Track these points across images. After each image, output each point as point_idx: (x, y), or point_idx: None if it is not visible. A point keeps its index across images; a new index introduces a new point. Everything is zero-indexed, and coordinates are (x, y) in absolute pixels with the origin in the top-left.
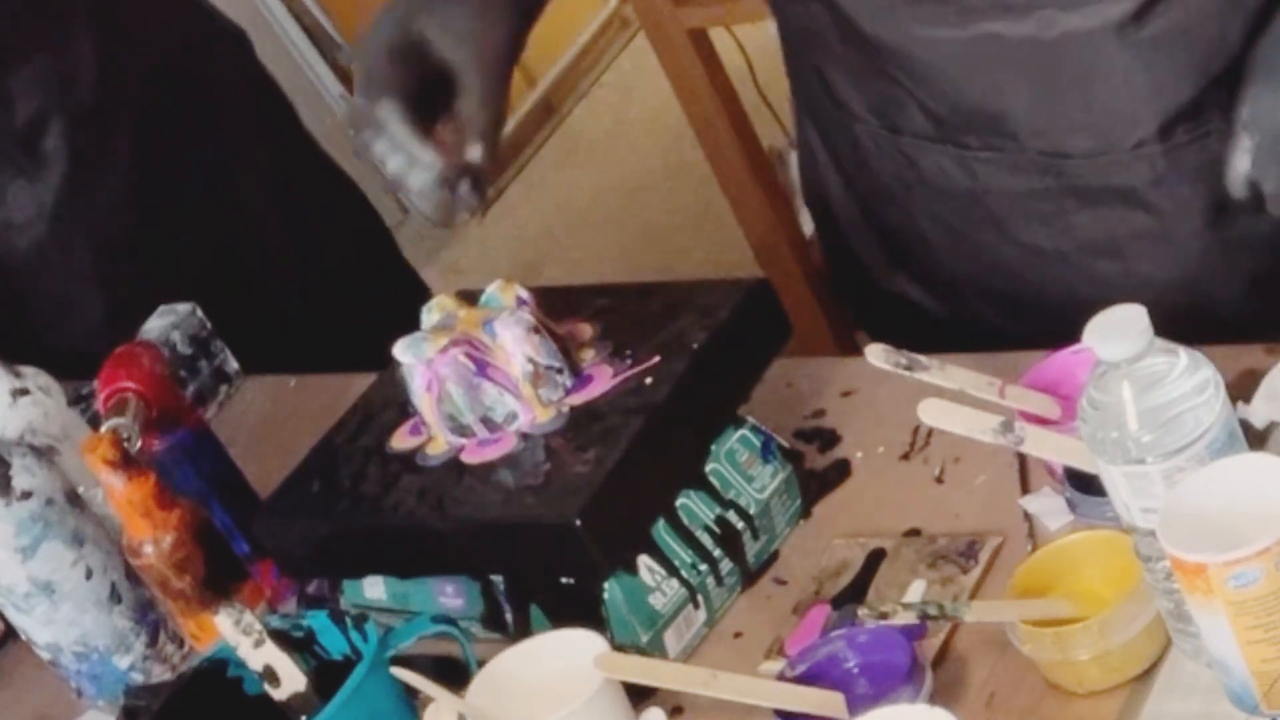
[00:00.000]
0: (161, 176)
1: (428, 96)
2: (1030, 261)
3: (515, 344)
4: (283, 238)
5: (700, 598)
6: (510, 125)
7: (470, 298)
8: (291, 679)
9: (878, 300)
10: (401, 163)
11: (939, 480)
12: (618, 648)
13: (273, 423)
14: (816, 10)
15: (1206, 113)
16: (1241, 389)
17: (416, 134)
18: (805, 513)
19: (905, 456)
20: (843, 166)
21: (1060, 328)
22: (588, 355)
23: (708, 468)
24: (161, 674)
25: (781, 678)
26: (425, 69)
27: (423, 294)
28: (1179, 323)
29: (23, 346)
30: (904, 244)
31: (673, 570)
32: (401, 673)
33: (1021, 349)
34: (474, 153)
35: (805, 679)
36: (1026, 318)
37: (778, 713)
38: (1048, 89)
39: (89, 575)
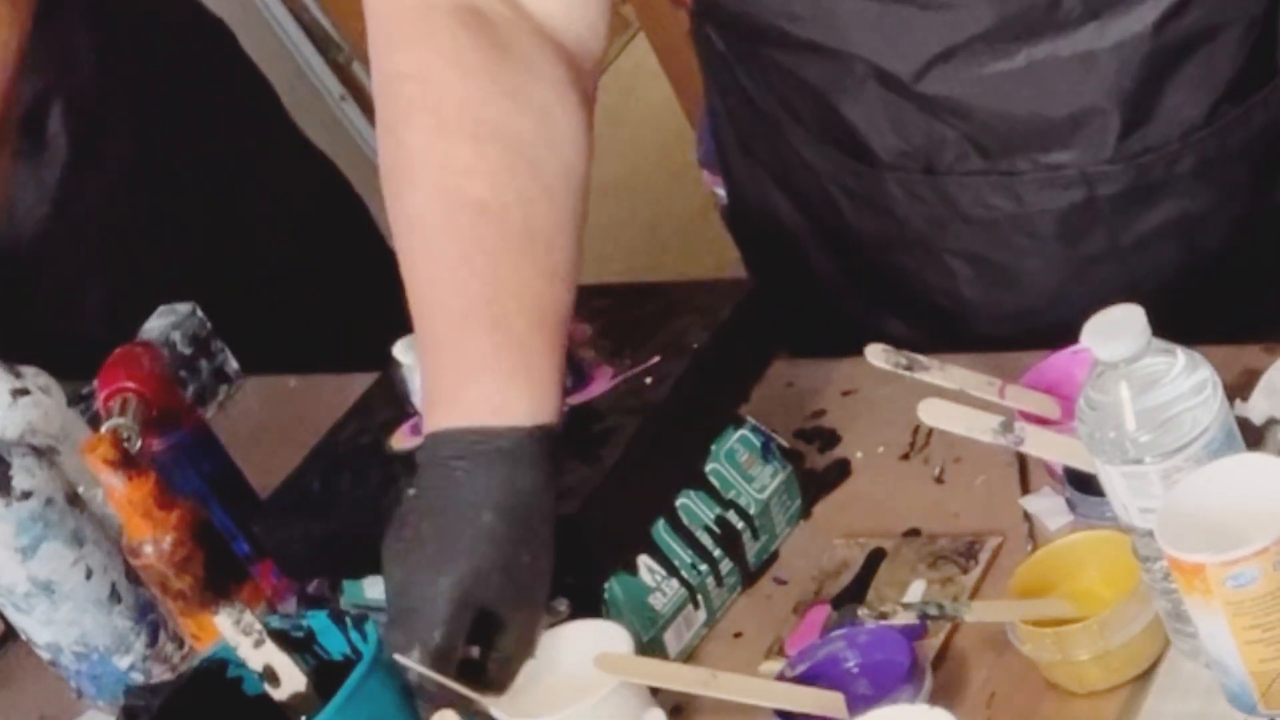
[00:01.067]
0: (161, 163)
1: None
2: (1065, 271)
3: None
4: (279, 232)
5: (700, 598)
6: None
7: None
8: (291, 679)
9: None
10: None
11: (939, 480)
12: None
13: (273, 423)
14: (849, 62)
15: (1249, 89)
16: (1240, 388)
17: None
18: (805, 513)
19: (905, 456)
20: (820, 219)
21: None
22: (588, 355)
23: (708, 468)
24: (161, 674)
25: (781, 678)
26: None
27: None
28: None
29: (28, 335)
30: (907, 286)
31: (673, 570)
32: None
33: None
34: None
35: (805, 679)
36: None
37: (778, 713)
38: (1096, 99)
39: (89, 575)
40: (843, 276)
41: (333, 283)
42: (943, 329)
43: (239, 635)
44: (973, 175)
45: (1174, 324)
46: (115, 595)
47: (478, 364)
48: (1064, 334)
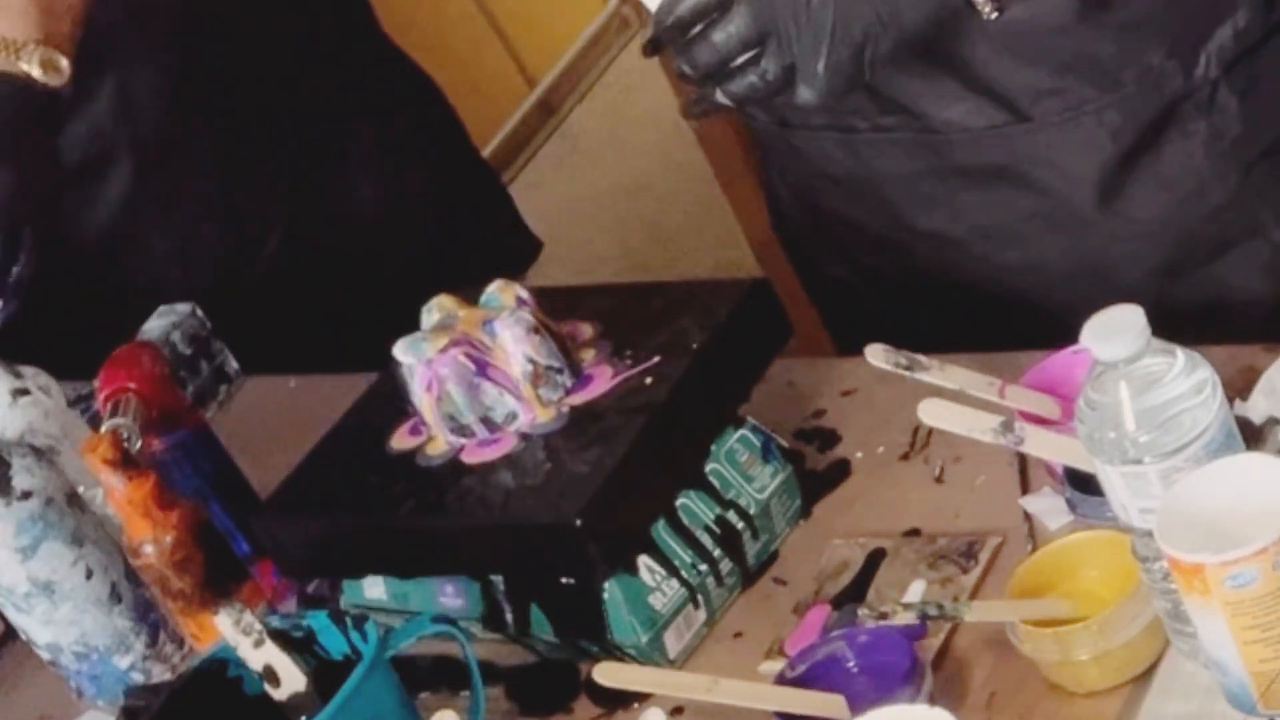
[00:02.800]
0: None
1: None
2: (930, 249)
3: (515, 344)
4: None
5: (700, 598)
6: (510, 125)
7: (470, 298)
8: (291, 679)
9: (824, 285)
10: None
11: (939, 480)
12: (617, 649)
13: (273, 423)
14: None
15: (1078, 87)
16: (1240, 387)
17: None
18: (805, 513)
19: (905, 456)
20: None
21: (973, 323)
22: (588, 355)
23: (708, 468)
24: (161, 674)
25: (781, 678)
26: None
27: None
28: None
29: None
30: (829, 231)
31: (673, 570)
32: None
33: (958, 348)
34: None
35: (805, 679)
36: (943, 308)
37: (778, 714)
38: (935, 65)
39: (89, 575)
40: (800, 214)
41: (437, 241)
42: (870, 285)
43: (239, 635)
44: (813, 129)
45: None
46: (115, 595)
47: None
48: (967, 319)
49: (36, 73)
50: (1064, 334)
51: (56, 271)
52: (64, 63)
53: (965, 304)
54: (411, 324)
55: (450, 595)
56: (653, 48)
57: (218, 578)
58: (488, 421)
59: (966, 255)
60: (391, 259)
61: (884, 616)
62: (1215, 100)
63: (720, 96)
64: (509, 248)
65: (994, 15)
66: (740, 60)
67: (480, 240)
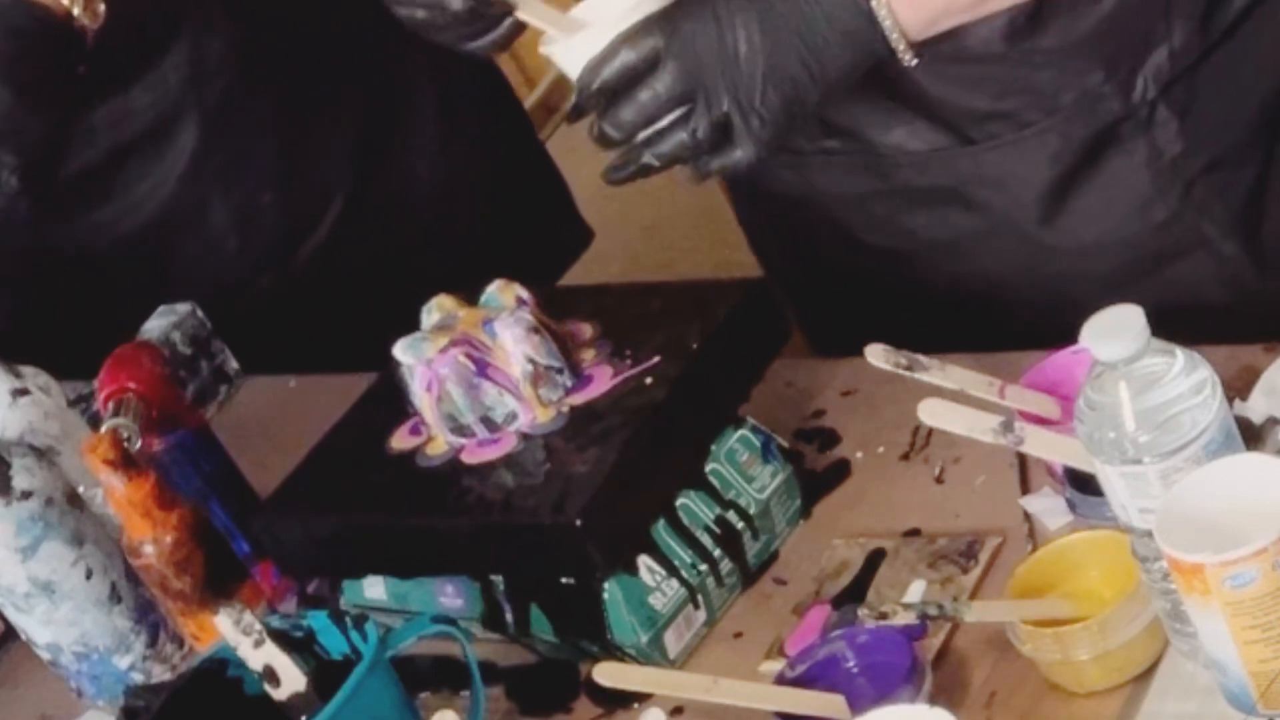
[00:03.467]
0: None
1: None
2: (881, 264)
3: (515, 344)
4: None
5: (700, 598)
6: None
7: (470, 298)
8: (291, 679)
9: (796, 291)
10: (423, 14)
11: (939, 480)
12: (617, 649)
13: (273, 423)
14: None
15: (1019, 111)
16: (1240, 387)
17: None
18: (805, 513)
19: (905, 456)
20: None
21: (930, 332)
22: (588, 355)
23: (708, 468)
24: (161, 674)
25: (781, 678)
26: None
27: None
28: (1040, 327)
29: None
30: (789, 243)
31: (673, 570)
32: None
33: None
34: None
35: (805, 679)
36: (899, 318)
37: (778, 714)
38: (876, 91)
39: (89, 575)
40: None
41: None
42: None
43: (239, 635)
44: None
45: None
46: (115, 595)
47: None
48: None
49: (77, 10)
50: (1014, 341)
51: (111, 246)
52: (101, 7)
53: (921, 313)
54: (412, 324)
55: (450, 595)
56: (576, 113)
57: (218, 578)
58: (488, 421)
59: (917, 269)
60: (444, 239)
61: (884, 616)
62: (1154, 120)
63: (648, 158)
64: (562, 236)
65: (914, 61)
66: (668, 120)
67: (534, 226)
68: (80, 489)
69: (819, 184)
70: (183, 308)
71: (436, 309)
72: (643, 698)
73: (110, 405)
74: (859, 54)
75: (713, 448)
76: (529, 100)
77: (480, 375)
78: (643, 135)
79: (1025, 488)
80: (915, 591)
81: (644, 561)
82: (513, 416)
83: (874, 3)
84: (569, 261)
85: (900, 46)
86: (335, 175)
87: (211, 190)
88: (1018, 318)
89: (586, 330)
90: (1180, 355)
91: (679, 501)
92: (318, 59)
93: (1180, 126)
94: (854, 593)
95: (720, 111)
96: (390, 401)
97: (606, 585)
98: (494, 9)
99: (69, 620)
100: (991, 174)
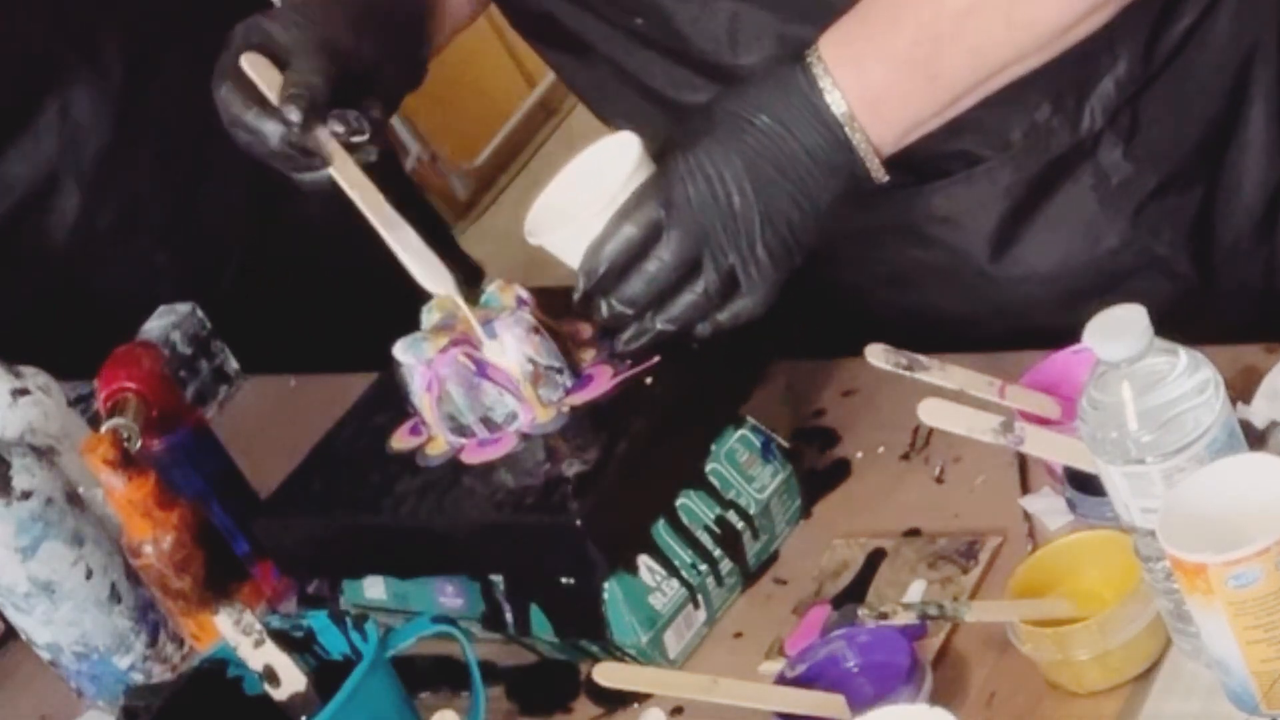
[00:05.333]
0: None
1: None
2: (839, 293)
3: (515, 344)
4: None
5: (700, 598)
6: (510, 125)
7: (470, 298)
8: (291, 679)
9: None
10: (247, 139)
11: (939, 480)
12: (617, 649)
13: (273, 423)
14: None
15: (970, 149)
16: (1242, 389)
17: (250, 107)
18: (805, 513)
19: (905, 456)
20: None
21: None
22: (588, 355)
23: (708, 468)
24: (161, 674)
25: (781, 678)
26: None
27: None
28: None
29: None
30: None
31: (673, 570)
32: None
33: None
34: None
35: (805, 679)
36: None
37: (778, 714)
38: None
39: (89, 575)
40: None
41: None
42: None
43: (239, 635)
44: None
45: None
46: (115, 595)
47: None
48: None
49: None
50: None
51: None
52: None
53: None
54: (412, 324)
55: (450, 595)
56: (585, 303)
57: (218, 578)
58: (488, 421)
59: (873, 299)
60: (348, 274)
61: (884, 616)
62: (1100, 147)
63: (661, 325)
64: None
65: (885, 178)
66: (674, 284)
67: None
68: (80, 489)
69: None
70: (183, 308)
71: (437, 309)
72: (643, 698)
73: (110, 405)
74: (843, 180)
75: (713, 448)
76: (528, 101)
77: (480, 375)
78: (654, 305)
79: (1025, 488)
80: (915, 591)
81: (644, 561)
82: (513, 416)
83: (848, 130)
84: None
85: (874, 165)
86: (230, 227)
87: (105, 253)
88: (971, 343)
89: (586, 330)
90: (1183, 355)
91: (679, 501)
92: (198, 110)
93: (1126, 152)
94: (854, 593)
95: (726, 265)
96: (390, 401)
97: (606, 585)
98: (313, 159)
99: (69, 620)
100: (943, 211)
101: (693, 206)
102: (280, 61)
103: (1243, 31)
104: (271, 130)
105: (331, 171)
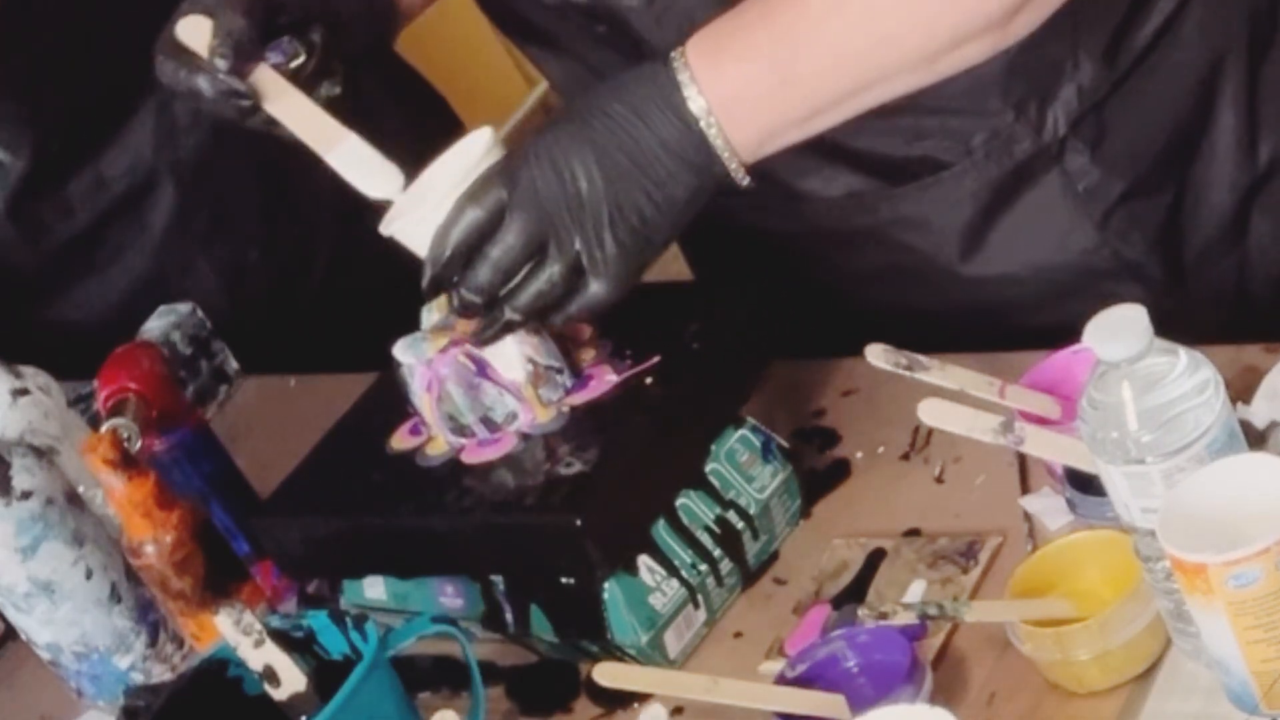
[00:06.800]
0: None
1: None
2: (814, 293)
3: (515, 344)
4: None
5: (700, 598)
6: (510, 125)
7: None
8: (291, 679)
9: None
10: (191, 102)
11: (939, 480)
12: (617, 649)
13: (273, 423)
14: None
15: (934, 154)
16: (1242, 389)
17: (179, 69)
18: (805, 513)
19: (905, 456)
20: None
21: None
22: (588, 355)
23: (708, 468)
24: (161, 674)
25: (781, 678)
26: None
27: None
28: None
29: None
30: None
31: (673, 570)
32: None
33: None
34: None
35: (805, 679)
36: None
37: (778, 714)
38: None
39: (89, 575)
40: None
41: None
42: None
43: (239, 635)
44: None
45: None
46: (115, 595)
47: None
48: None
49: None
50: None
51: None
52: None
53: (860, 338)
54: (412, 324)
55: (450, 595)
56: (434, 289)
57: (218, 578)
58: (488, 421)
59: (848, 300)
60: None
61: (884, 616)
62: (1066, 154)
63: (509, 314)
64: None
65: (747, 182)
66: (522, 272)
67: None
68: (80, 489)
69: (745, 221)
70: (183, 308)
71: (437, 309)
72: (643, 698)
73: (110, 405)
74: (700, 177)
75: (713, 448)
76: (528, 101)
77: (480, 375)
78: (502, 293)
79: (1025, 488)
80: (915, 591)
81: (644, 561)
82: (513, 416)
83: (703, 124)
84: None
85: (733, 165)
86: (321, 226)
87: (196, 252)
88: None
89: (586, 330)
90: (1183, 355)
91: (679, 501)
92: None
93: (1092, 158)
94: (854, 593)
95: (572, 252)
96: (390, 401)
97: (606, 585)
98: (248, 104)
99: (69, 620)
100: (911, 215)
101: (538, 190)
102: (213, 16)
103: (1209, 35)
104: (204, 84)
105: (265, 106)
